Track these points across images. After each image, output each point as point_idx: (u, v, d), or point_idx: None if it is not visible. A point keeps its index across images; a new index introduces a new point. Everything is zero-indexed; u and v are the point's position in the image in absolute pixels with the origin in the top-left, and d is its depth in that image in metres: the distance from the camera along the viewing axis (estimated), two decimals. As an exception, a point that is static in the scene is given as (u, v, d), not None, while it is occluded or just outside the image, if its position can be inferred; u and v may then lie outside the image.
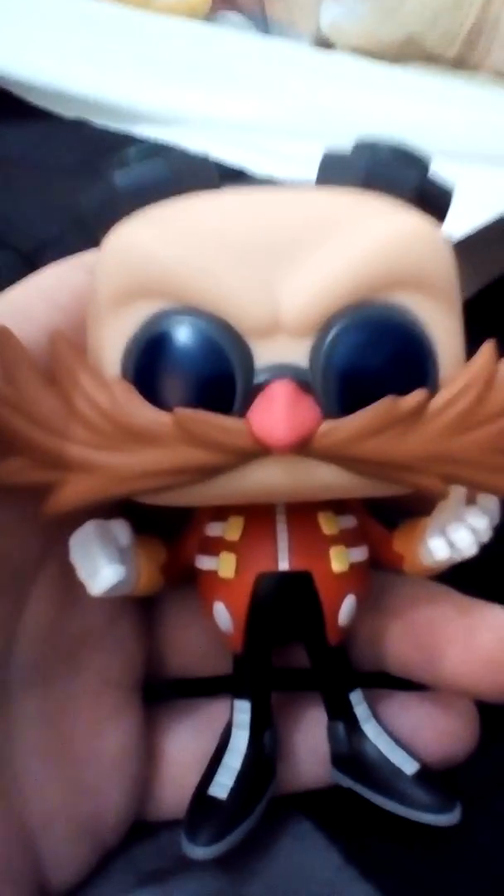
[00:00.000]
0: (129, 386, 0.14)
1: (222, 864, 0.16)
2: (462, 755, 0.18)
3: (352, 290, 0.14)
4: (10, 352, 0.14)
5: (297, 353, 0.14)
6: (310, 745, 0.18)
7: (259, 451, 0.14)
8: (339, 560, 0.16)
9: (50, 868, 0.16)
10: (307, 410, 0.14)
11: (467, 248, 0.28)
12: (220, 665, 0.18)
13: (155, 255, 0.14)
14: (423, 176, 0.15)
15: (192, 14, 0.59)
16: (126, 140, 0.37)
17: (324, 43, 0.60)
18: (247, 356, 0.14)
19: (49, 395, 0.14)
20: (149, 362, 0.14)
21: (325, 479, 0.14)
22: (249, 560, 0.16)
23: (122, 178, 0.15)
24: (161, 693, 0.19)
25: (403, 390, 0.14)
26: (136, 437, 0.14)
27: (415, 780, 0.17)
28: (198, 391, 0.14)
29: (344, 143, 0.39)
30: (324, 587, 0.16)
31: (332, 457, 0.14)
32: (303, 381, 0.14)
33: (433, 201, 0.15)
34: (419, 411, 0.14)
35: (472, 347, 0.15)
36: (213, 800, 0.16)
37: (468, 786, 0.18)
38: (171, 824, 0.17)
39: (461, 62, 0.53)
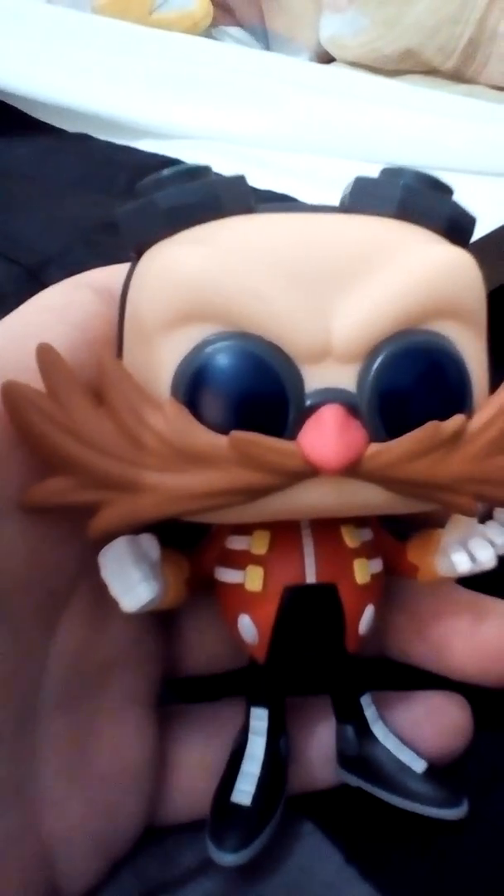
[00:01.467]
0: (183, 408, 0.14)
1: (225, 867, 0.16)
2: (461, 749, 0.18)
3: (399, 318, 0.14)
4: (57, 372, 0.14)
5: (346, 378, 0.14)
6: (316, 747, 0.18)
7: (309, 472, 0.14)
8: (362, 572, 0.16)
9: (63, 881, 0.16)
10: (356, 433, 0.14)
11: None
12: (232, 662, 0.19)
13: (208, 279, 0.14)
14: (454, 206, 0.16)
15: (193, 29, 0.59)
16: (130, 154, 0.38)
17: (323, 56, 0.60)
18: (298, 380, 0.14)
19: (99, 415, 0.14)
20: (201, 385, 0.14)
21: (369, 498, 0.15)
22: (277, 573, 0.16)
23: (163, 199, 0.15)
24: (167, 698, 0.19)
25: (444, 414, 0.14)
26: (192, 458, 0.14)
27: (424, 777, 0.17)
28: (250, 414, 0.14)
29: (345, 156, 0.40)
30: (348, 598, 0.16)
31: (379, 478, 0.14)
32: (351, 405, 0.14)
33: (460, 231, 0.16)
34: (459, 435, 0.15)
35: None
36: (238, 806, 0.16)
37: (465, 790, 0.18)
38: (176, 830, 0.17)
39: (458, 75, 0.54)
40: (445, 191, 0.16)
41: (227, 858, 0.16)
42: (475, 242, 0.29)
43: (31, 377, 0.15)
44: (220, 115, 0.41)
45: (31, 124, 0.41)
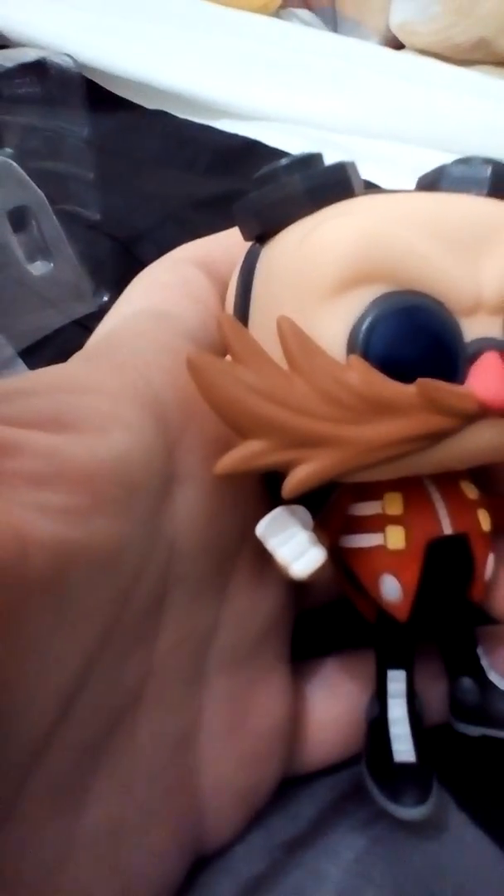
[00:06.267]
0: (368, 363, 0.15)
1: (343, 815, 0.17)
2: None
3: None
4: (243, 339, 0.15)
5: (496, 327, 0.16)
6: (333, 715, 0.18)
7: (478, 414, 0.15)
8: (486, 520, 0.17)
9: (209, 832, 0.17)
10: None
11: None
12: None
13: (375, 243, 0.15)
14: None
15: (264, 9, 0.59)
16: (209, 133, 0.38)
17: (392, 42, 0.60)
18: (459, 332, 0.15)
19: (290, 377, 0.15)
20: (378, 340, 0.15)
21: None
22: (417, 529, 0.17)
23: (302, 181, 0.16)
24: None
25: None
26: (383, 409, 0.15)
27: None
28: (425, 364, 0.15)
29: (420, 143, 0.39)
30: (477, 546, 0.17)
31: None
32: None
33: None
34: None
35: None
36: (405, 765, 0.17)
37: None
38: (294, 787, 0.18)
39: (531, 67, 0.53)
40: None
41: (413, 813, 0.16)
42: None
43: (176, 354, 0.15)
44: (295, 97, 0.41)
45: (111, 99, 0.41)
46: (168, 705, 0.16)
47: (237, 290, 0.17)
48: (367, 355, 0.15)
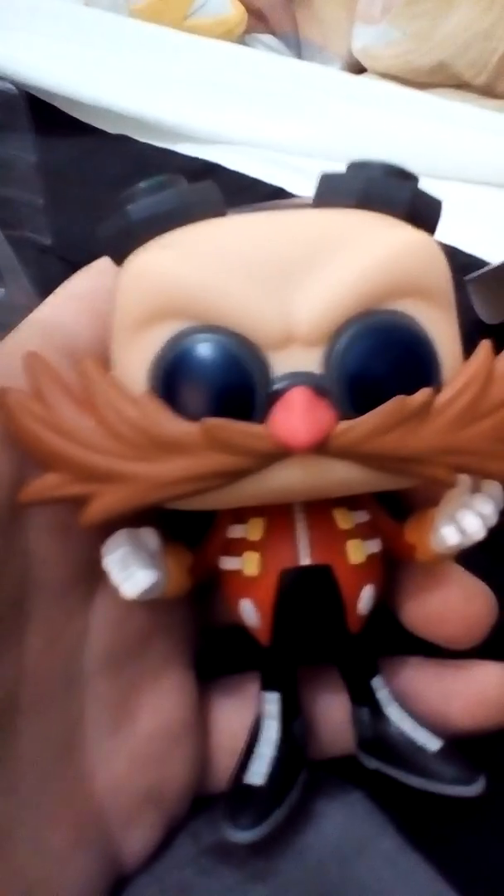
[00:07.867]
0: (156, 400, 0.15)
1: (280, 836, 0.17)
2: (499, 724, 0.18)
3: (358, 300, 0.15)
4: (40, 373, 0.15)
5: (311, 361, 0.15)
6: (330, 715, 0.19)
7: (280, 453, 0.15)
8: (356, 552, 0.17)
9: (120, 838, 0.17)
10: (324, 412, 0.15)
11: (498, 275, 0.29)
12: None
13: (175, 279, 0.15)
14: (415, 192, 0.16)
15: (227, 35, 0.60)
16: (169, 157, 0.39)
17: (355, 66, 0.61)
18: (264, 367, 0.15)
19: (80, 412, 0.15)
20: (173, 378, 0.15)
21: (341, 476, 0.15)
22: (272, 557, 0.17)
23: (135, 210, 0.15)
24: (205, 671, 0.19)
25: (411, 389, 0.15)
26: (167, 447, 0.15)
27: (439, 756, 0.18)
28: (220, 402, 0.15)
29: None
30: (343, 578, 0.17)
31: (349, 454, 0.15)
32: (318, 387, 0.15)
33: (424, 215, 0.16)
34: (426, 408, 0.15)
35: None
36: (250, 787, 0.17)
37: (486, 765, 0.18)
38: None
39: (490, 90, 0.54)
40: (409, 178, 0.16)
41: (241, 836, 0.16)
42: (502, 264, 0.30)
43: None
44: (257, 121, 0.42)
45: (72, 124, 0.42)
46: (47, 706, 0.16)
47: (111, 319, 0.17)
48: (162, 392, 0.15)
